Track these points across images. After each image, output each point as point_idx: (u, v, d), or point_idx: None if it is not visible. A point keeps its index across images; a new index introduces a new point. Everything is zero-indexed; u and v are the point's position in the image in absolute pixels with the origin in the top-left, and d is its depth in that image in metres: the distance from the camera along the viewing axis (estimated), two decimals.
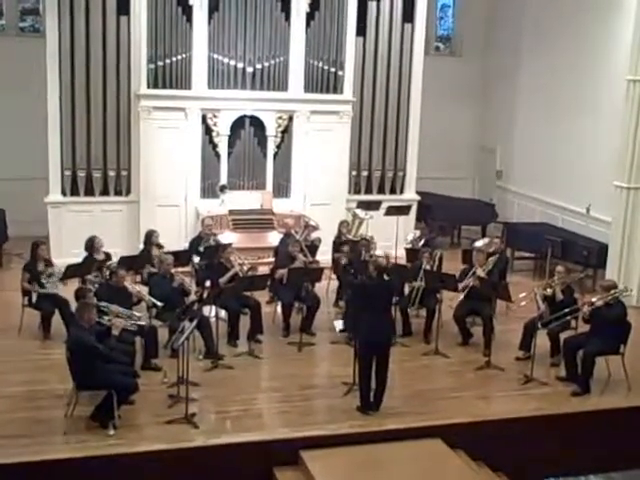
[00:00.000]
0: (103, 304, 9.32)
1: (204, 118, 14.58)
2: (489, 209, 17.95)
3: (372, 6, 15.26)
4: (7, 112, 15.62)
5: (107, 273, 10.80)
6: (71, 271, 11.22)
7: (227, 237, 13.32)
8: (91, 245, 11.57)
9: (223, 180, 14.70)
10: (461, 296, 11.27)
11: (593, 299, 10.11)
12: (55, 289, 11.08)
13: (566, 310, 10.31)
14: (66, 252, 13.36)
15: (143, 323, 9.43)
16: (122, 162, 14.53)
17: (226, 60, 14.45)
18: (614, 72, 14.46)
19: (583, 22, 15.55)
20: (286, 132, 15.08)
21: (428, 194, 17.02)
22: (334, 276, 12.82)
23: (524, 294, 10.91)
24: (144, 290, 10.75)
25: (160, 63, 14.16)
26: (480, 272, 11.30)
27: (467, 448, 8.72)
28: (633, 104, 13.04)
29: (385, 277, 9.38)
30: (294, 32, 14.67)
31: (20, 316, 11.08)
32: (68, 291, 10.96)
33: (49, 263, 11.35)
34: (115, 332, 8.87)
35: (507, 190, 18.58)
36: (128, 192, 14.68)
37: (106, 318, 9.07)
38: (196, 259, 12.43)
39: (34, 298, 11.07)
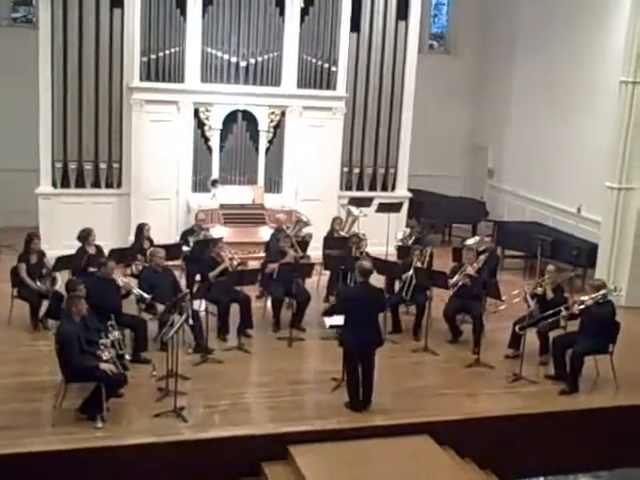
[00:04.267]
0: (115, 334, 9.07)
1: (196, 112, 14.57)
2: (480, 207, 17.98)
3: (366, 3, 15.25)
4: None
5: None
6: (61, 263, 11.19)
7: (218, 231, 13.30)
8: (86, 236, 11.51)
9: (215, 174, 14.68)
10: (451, 293, 11.31)
11: (583, 297, 10.15)
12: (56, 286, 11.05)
13: (551, 311, 10.30)
14: (56, 244, 13.31)
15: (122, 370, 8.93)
16: (114, 154, 14.51)
17: (219, 54, 14.43)
18: (607, 73, 14.48)
19: (577, 23, 15.58)
20: (278, 127, 15.07)
21: (419, 191, 17.04)
22: (325, 272, 12.81)
23: (516, 291, 10.92)
24: (134, 283, 10.72)
25: (153, 56, 14.13)
26: (470, 270, 11.33)
27: (455, 445, 8.75)
28: (625, 105, 13.07)
29: (370, 282, 9.32)
30: (288, 27, 14.66)
31: (9, 307, 11.04)
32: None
33: (42, 255, 11.29)
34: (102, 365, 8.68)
35: (498, 189, 18.62)
36: (119, 185, 14.66)
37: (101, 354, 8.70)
38: (185, 248, 12.38)
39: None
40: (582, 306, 9.98)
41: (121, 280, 10.41)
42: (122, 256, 11.54)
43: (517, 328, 10.50)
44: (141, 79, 14.16)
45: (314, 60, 14.94)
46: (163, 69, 14.25)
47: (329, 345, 10.84)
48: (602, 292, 9.99)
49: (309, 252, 12.85)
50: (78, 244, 11.53)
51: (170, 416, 8.64)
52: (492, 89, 18.75)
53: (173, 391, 8.83)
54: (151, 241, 12.16)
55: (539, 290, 10.69)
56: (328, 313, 9.95)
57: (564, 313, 10.24)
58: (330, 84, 15.13)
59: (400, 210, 15.27)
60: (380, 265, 11.41)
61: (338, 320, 9.77)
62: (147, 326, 10.24)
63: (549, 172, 16.37)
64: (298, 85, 14.92)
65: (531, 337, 10.54)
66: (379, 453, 8.47)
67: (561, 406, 9.61)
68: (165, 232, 13.37)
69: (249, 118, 14.84)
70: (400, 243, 13.40)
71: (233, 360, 10.40)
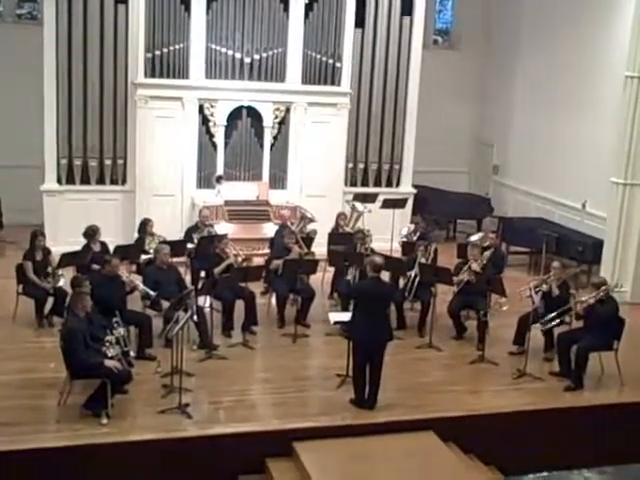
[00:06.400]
0: (120, 331, 9.11)
1: (201, 108, 14.56)
2: (485, 203, 17.97)
3: None
4: (3, 99, 15.57)
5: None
6: (66, 260, 11.21)
7: (223, 228, 13.31)
8: (93, 234, 11.51)
9: (219, 170, 14.68)
10: (454, 290, 11.30)
11: (585, 297, 10.13)
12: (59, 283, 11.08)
13: (559, 310, 10.31)
14: (62, 240, 13.31)
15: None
16: (118, 151, 14.52)
17: (224, 50, 14.42)
18: (612, 68, 14.44)
19: (582, 17, 15.53)
20: (283, 123, 15.05)
21: (424, 187, 17.02)
22: (329, 268, 12.80)
23: (522, 288, 10.87)
24: (138, 279, 10.74)
25: (157, 52, 14.12)
26: (475, 266, 11.31)
27: (459, 441, 8.76)
28: (630, 100, 13.04)
29: (381, 277, 9.34)
30: (292, 23, 14.63)
31: (14, 304, 11.05)
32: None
33: (47, 253, 11.30)
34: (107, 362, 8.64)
35: (503, 185, 18.58)
36: (124, 181, 14.67)
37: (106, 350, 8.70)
38: (189, 246, 12.38)
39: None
40: (585, 305, 9.96)
41: (126, 276, 10.44)
42: (127, 253, 11.55)
43: (538, 320, 10.42)
44: (146, 75, 14.15)
45: (318, 56, 14.91)
46: (168, 65, 14.24)
47: (334, 341, 10.87)
48: (603, 289, 9.97)
49: (314, 248, 12.84)
50: (83, 241, 11.56)
51: (175, 412, 8.66)
52: (497, 85, 18.71)
53: (178, 387, 8.85)
54: (152, 235, 12.19)
55: (544, 287, 10.68)
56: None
57: (571, 313, 10.24)
58: (335, 80, 15.10)
59: (405, 206, 15.25)
60: (385, 261, 11.39)
61: (343, 316, 9.81)
62: (152, 323, 10.26)
63: (554, 168, 16.33)
64: (303, 81, 14.90)
65: (536, 333, 10.53)
66: (383, 449, 8.46)
67: (566, 402, 9.62)
68: (170, 228, 13.31)
69: (254, 114, 14.82)
70: (405, 239, 13.40)
71: (238, 356, 10.42)
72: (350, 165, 15.81)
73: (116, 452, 8.01)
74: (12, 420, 8.34)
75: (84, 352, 8.43)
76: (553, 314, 10.34)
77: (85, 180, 14.48)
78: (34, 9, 16.76)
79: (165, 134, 14.36)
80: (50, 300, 11.08)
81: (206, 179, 14.69)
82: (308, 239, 12.78)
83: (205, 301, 10.84)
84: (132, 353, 9.31)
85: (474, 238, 12.90)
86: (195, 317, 9.61)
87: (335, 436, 8.52)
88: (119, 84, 14.31)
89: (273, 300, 11.96)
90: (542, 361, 10.67)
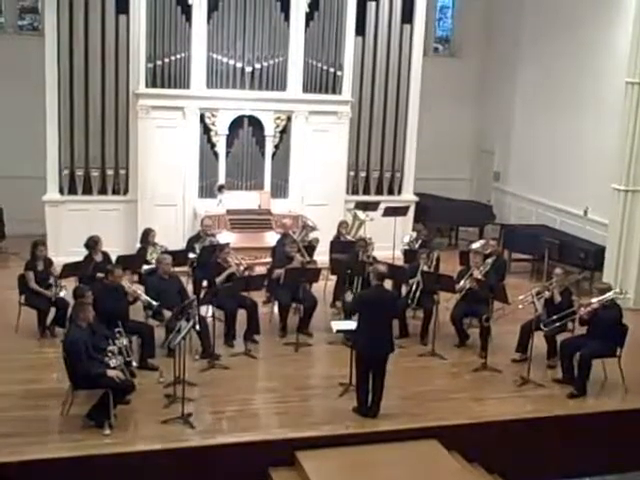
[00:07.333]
0: (123, 342, 9.12)
1: (202, 117, 14.59)
2: (487, 211, 17.96)
3: (371, 7, 15.26)
4: (5, 110, 15.63)
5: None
6: (68, 270, 11.21)
7: (225, 237, 13.32)
8: (94, 245, 11.52)
9: (221, 180, 14.70)
10: (457, 297, 11.28)
11: (591, 300, 10.13)
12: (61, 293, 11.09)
13: (563, 313, 10.30)
14: (63, 251, 13.36)
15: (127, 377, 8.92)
16: (120, 161, 14.54)
17: (225, 59, 14.45)
18: (613, 75, 14.46)
19: (582, 24, 15.55)
20: (284, 132, 15.08)
21: (426, 195, 17.03)
22: (331, 276, 12.79)
23: (522, 297, 10.86)
24: (140, 289, 10.73)
25: (159, 62, 14.16)
26: (477, 274, 11.30)
27: (463, 450, 8.74)
28: (631, 106, 13.05)
29: (385, 286, 9.35)
30: (293, 32, 14.67)
31: (17, 315, 11.06)
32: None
33: (49, 263, 11.31)
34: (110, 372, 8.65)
35: (505, 192, 18.59)
36: (126, 191, 14.68)
37: (109, 360, 8.71)
38: (191, 255, 12.38)
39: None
40: (589, 308, 9.96)
41: (128, 286, 10.43)
42: (129, 263, 11.55)
43: (542, 325, 10.42)
44: (147, 85, 14.18)
45: (319, 64, 14.94)
46: (169, 75, 14.27)
47: (336, 350, 10.86)
48: (608, 295, 9.96)
49: (316, 257, 12.84)
50: (85, 251, 11.55)
51: (178, 422, 8.65)
52: (497, 92, 18.73)
53: (180, 397, 8.83)
54: (155, 245, 12.21)
55: (546, 293, 10.66)
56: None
57: (575, 317, 10.23)
58: (336, 88, 15.13)
59: (406, 214, 15.26)
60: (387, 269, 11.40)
61: (345, 325, 9.81)
62: (154, 332, 10.25)
63: (555, 175, 16.34)
64: (304, 90, 14.93)
65: (538, 341, 10.53)
66: (387, 458, 8.45)
67: (569, 410, 9.59)
68: (172, 238, 13.32)
69: (255, 123, 14.84)
70: (407, 247, 13.41)
71: (240, 366, 10.40)
72: (352, 173, 15.82)
73: (119, 463, 7.99)
74: (15, 431, 8.33)
75: (86, 363, 8.43)
76: (560, 315, 10.33)
77: (87, 190, 14.50)
78: (35, 20, 16.83)
79: (167, 144, 14.38)
80: (52, 311, 11.09)
81: (208, 188, 14.70)
82: (310, 248, 12.78)
83: (207, 310, 10.87)
84: (134, 363, 9.32)
85: (476, 245, 12.88)
86: (197, 327, 9.61)
87: (338, 445, 8.50)
88: (120, 94, 14.33)
89: (275, 309, 11.95)
90: (545, 368, 10.65)
